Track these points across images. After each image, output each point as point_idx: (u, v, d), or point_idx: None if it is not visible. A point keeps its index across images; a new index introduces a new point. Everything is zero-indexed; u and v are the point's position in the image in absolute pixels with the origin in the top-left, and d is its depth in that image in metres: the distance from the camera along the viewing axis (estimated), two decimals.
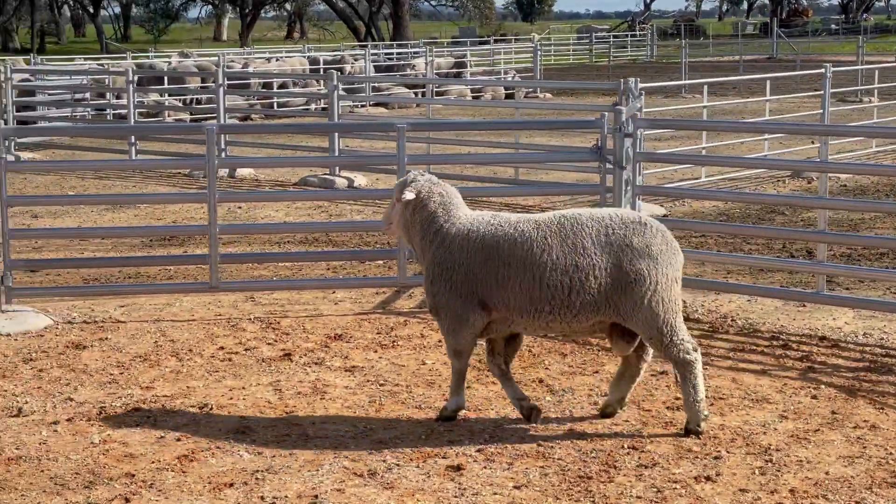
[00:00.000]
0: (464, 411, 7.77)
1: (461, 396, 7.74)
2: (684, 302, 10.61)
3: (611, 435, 7.38)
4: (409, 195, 7.58)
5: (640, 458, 7.00)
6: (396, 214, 7.68)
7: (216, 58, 35.18)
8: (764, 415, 7.78)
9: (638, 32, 79.88)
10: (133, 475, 6.73)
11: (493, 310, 7.39)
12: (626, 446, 7.19)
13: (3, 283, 10.13)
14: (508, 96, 36.12)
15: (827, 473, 6.78)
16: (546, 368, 8.81)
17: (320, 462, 6.94)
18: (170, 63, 33.88)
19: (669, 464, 6.92)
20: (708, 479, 6.70)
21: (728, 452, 7.09)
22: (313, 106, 29.20)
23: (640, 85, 15.32)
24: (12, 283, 10.25)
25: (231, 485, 6.61)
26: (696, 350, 7.36)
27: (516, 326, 7.50)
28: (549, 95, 37.98)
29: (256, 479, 6.69)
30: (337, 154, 17.85)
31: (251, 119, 28.56)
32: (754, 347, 9.39)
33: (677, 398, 8.04)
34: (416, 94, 33.85)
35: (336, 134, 17.90)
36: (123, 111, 25.82)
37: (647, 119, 11.11)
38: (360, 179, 18.27)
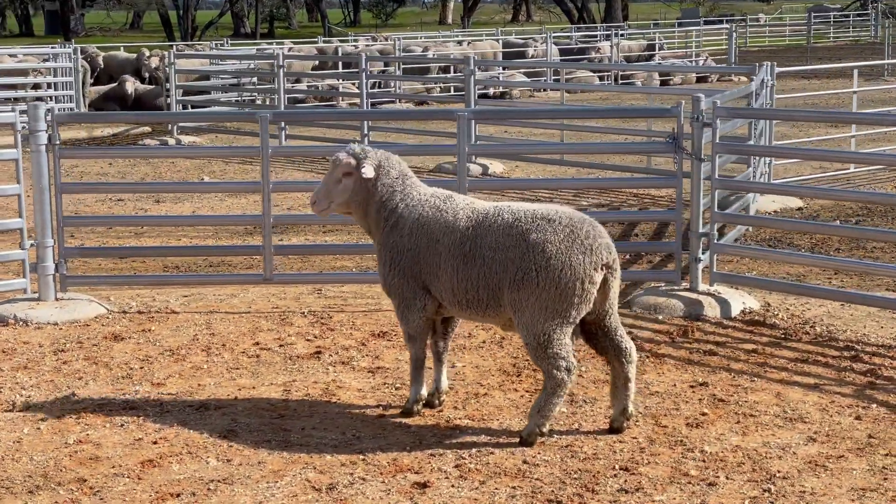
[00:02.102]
0: (467, 420, 7.29)
1: (421, 385, 7.39)
2: (767, 304, 9.87)
3: (607, 453, 6.78)
4: (368, 170, 7.09)
5: (625, 481, 6.39)
6: (343, 192, 7.15)
7: (407, 42, 35.20)
8: (790, 436, 7.04)
9: (870, 11, 76.52)
10: (85, 480, 6.48)
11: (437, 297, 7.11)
12: (617, 467, 6.58)
13: (57, 271, 10.06)
14: (700, 80, 34.98)
15: None
16: (581, 375, 8.21)
17: (285, 473, 6.57)
18: (356, 47, 33.94)
19: (655, 489, 6.29)
20: None
21: (727, 479, 6.41)
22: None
23: (778, 69, 14.49)
24: (67, 271, 10.18)
25: (177, 495, 6.29)
26: (569, 372, 6.74)
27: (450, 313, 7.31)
28: (743, 79, 36.53)
29: (208, 489, 6.36)
30: (474, 141, 17.35)
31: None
32: (820, 358, 8.58)
33: (703, 414, 7.40)
34: (600, 79, 33.10)
35: (473, 120, 17.39)
36: (299, 95, 26.16)
37: (727, 107, 10.28)
38: (497, 166, 17.80)
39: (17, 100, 25.90)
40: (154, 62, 29.08)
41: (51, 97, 26.13)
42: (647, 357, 8.60)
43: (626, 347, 7.02)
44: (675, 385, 8.00)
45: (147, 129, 24.28)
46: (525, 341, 6.86)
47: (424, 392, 7.47)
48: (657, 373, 8.27)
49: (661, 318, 9.64)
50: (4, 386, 8.15)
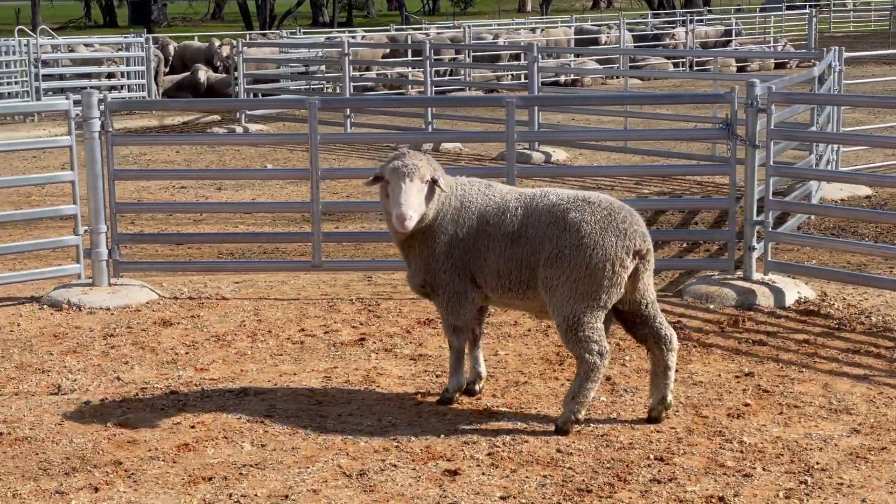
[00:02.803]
0: (505, 408, 7.25)
1: (461, 375, 7.38)
2: (823, 293, 9.71)
3: (643, 443, 6.69)
4: (442, 181, 7.03)
5: (659, 471, 6.31)
6: (420, 199, 7.01)
7: (479, 29, 35.14)
8: (834, 427, 6.91)
9: None
10: (121, 463, 6.53)
11: (482, 286, 7.11)
12: (652, 457, 6.49)
13: (110, 257, 10.15)
14: (779, 66, 34.48)
15: (863, 501, 5.92)
16: (623, 364, 8.12)
17: (317, 458, 6.56)
18: (428, 35, 33.91)
19: (689, 480, 6.19)
20: (721, 500, 5.96)
21: (764, 470, 6.30)
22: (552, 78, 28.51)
23: (847, 54, 14.22)
24: (120, 257, 10.26)
25: (209, 479, 6.31)
26: (601, 356, 6.68)
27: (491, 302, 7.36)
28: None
29: (239, 474, 6.37)
30: (536, 129, 17.26)
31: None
32: (873, 349, 8.41)
33: (746, 405, 7.28)
34: (676, 65, 32.76)
35: (536, 108, 17.33)
36: (368, 83, 26.20)
37: (783, 93, 10.09)
38: (560, 154, 17.68)
39: (93, 88, 26.26)
40: (225, 51, 29.30)
41: (123, 86, 26.46)
42: (694, 347, 8.49)
43: (665, 335, 6.94)
44: (719, 375, 7.88)
45: (216, 116, 24.46)
46: (556, 324, 6.84)
47: (464, 381, 7.45)
48: (703, 363, 8.16)
49: (712, 307, 9.51)
50: (52, 370, 8.24)
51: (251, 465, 6.48)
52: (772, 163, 9.76)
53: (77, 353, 8.63)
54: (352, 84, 22.17)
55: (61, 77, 26.31)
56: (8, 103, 23.35)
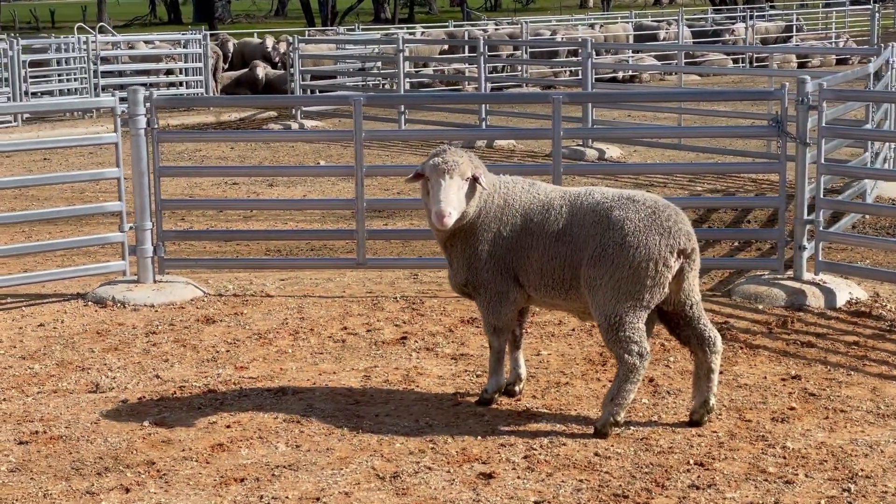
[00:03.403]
0: (544, 409, 7.14)
1: (501, 376, 7.29)
2: (876, 294, 9.51)
3: (683, 447, 6.56)
4: (483, 178, 6.94)
5: (698, 477, 6.17)
6: (460, 196, 6.92)
7: (537, 25, 34.96)
8: (881, 433, 6.74)
9: None
10: (153, 463, 6.49)
11: (525, 285, 7.02)
12: (691, 462, 6.36)
13: (155, 254, 10.14)
14: (840, 62, 33.98)
15: None
16: (667, 366, 7.98)
17: (351, 460, 6.49)
18: (485, 31, 33.77)
19: (728, 486, 6.05)
20: None
21: (807, 477, 6.15)
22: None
23: None
24: (164, 254, 10.26)
25: (241, 480, 6.26)
26: (641, 357, 6.55)
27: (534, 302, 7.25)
28: None
29: (272, 475, 6.31)
30: (590, 125, 17.09)
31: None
32: None
33: (791, 409, 7.13)
34: (735, 62, 32.35)
35: (589, 104, 17.16)
36: (424, 80, 26.10)
37: (834, 90, 9.88)
38: (614, 151, 17.50)
39: (151, 85, 26.41)
40: (281, 48, 29.35)
41: (182, 82, 26.58)
42: (741, 348, 8.33)
43: (709, 336, 6.80)
44: (765, 378, 7.72)
45: (273, 112, 24.51)
46: (598, 323, 6.73)
47: (504, 382, 7.35)
48: (749, 365, 8.00)
49: (761, 307, 9.34)
50: (93, 367, 8.24)
51: (284, 467, 6.42)
52: (822, 161, 9.55)
53: (118, 350, 8.62)
54: (407, 80, 22.11)
55: (120, 74, 26.47)
56: (55, 100, 23.53)
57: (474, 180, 6.90)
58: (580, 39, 20.99)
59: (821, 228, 9.65)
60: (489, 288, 7.09)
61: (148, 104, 9.93)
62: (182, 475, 6.34)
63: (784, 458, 6.41)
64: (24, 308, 9.78)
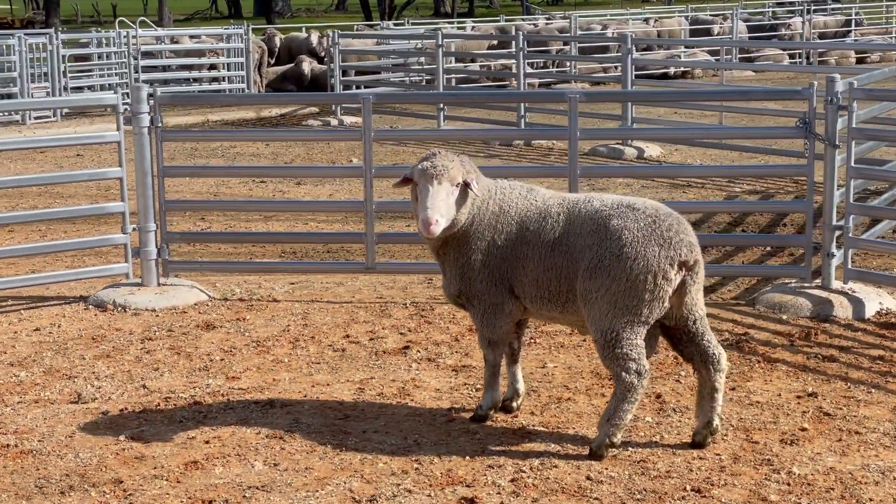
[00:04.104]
0: (541, 427, 6.76)
1: (496, 392, 6.92)
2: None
3: (682, 471, 6.15)
4: (475, 184, 6.57)
5: None
6: (449, 202, 6.56)
7: (588, 20, 34.49)
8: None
9: None
10: (121, 482, 6.18)
11: (520, 297, 6.65)
12: (688, 488, 5.95)
13: (159, 256, 9.85)
14: None
15: None
16: (677, 380, 7.57)
17: (329, 481, 6.14)
18: (535, 26, 33.31)
19: None
20: None
21: None
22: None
23: None
24: (169, 256, 9.96)
25: (210, 502, 5.93)
26: (639, 375, 6.14)
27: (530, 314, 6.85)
28: None
29: (243, 496, 5.98)
30: (630, 123, 16.64)
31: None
32: None
33: (802, 429, 6.69)
34: (792, 58, 31.66)
35: (629, 103, 16.71)
36: (469, 76, 25.73)
37: (866, 89, 9.38)
38: (653, 150, 17.03)
39: (193, 80, 26.27)
40: (326, 42, 29.08)
41: (224, 77, 26.40)
42: (758, 362, 7.89)
43: (713, 353, 6.38)
44: (779, 395, 7.29)
45: (314, 108, 24.25)
46: (594, 339, 6.34)
47: (500, 398, 6.98)
48: (764, 380, 7.56)
49: (784, 317, 8.88)
50: (80, 375, 7.96)
51: (257, 488, 6.08)
52: (853, 163, 9.07)
53: (110, 357, 8.33)
54: (449, 76, 21.73)
55: (164, 69, 26.32)
56: (55, 99, 23.35)
57: (465, 186, 6.53)
58: (632, 35, 20.46)
59: (850, 235, 9.17)
60: (483, 299, 6.72)
61: (152, 102, 9.63)
62: (148, 495, 6.03)
63: (788, 484, 5.99)
64: (22, 311, 9.54)
